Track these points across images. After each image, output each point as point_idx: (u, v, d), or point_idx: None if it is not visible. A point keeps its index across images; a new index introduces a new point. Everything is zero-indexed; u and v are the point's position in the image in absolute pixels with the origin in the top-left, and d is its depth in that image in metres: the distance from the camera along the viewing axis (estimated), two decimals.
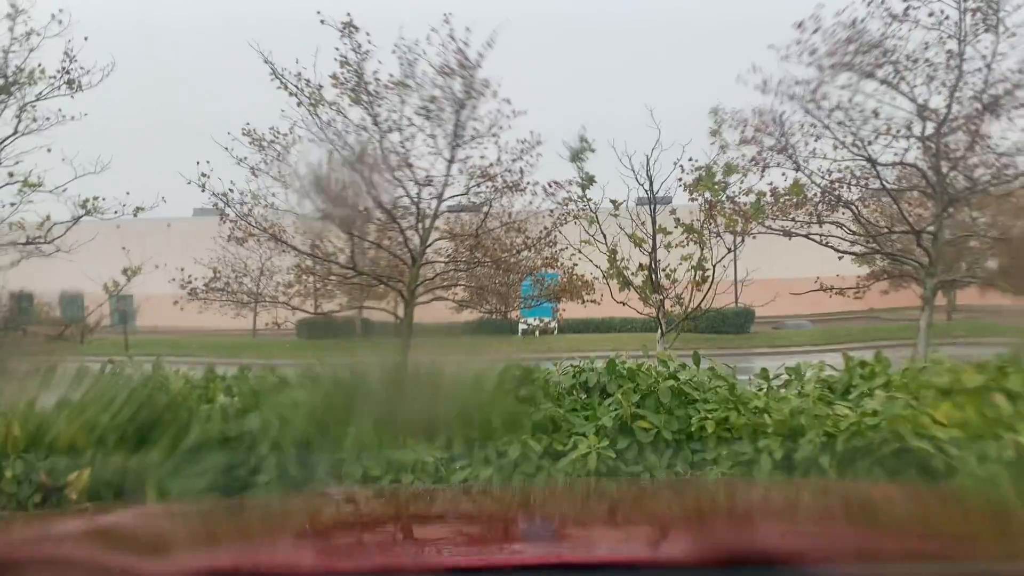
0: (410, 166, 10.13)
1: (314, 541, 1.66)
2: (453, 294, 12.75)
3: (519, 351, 18.09)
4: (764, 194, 10.52)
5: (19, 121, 8.99)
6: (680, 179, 10.67)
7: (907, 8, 9.59)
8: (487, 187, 10.66)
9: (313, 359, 5.03)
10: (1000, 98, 9.69)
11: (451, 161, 10.26)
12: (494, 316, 15.88)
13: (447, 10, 9.53)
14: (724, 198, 10.48)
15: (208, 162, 9.98)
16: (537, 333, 21.90)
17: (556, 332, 21.81)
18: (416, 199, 10.36)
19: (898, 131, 10.08)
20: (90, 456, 3.78)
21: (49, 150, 8.95)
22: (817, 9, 9.71)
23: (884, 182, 10.43)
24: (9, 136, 9.01)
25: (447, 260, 11.67)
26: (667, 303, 10.45)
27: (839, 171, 10.35)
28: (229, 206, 10.24)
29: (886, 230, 10.99)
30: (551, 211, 11.06)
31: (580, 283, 12.08)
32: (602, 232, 10.60)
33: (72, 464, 3.76)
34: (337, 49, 9.67)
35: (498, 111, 10.13)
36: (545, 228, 11.29)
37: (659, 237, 10.72)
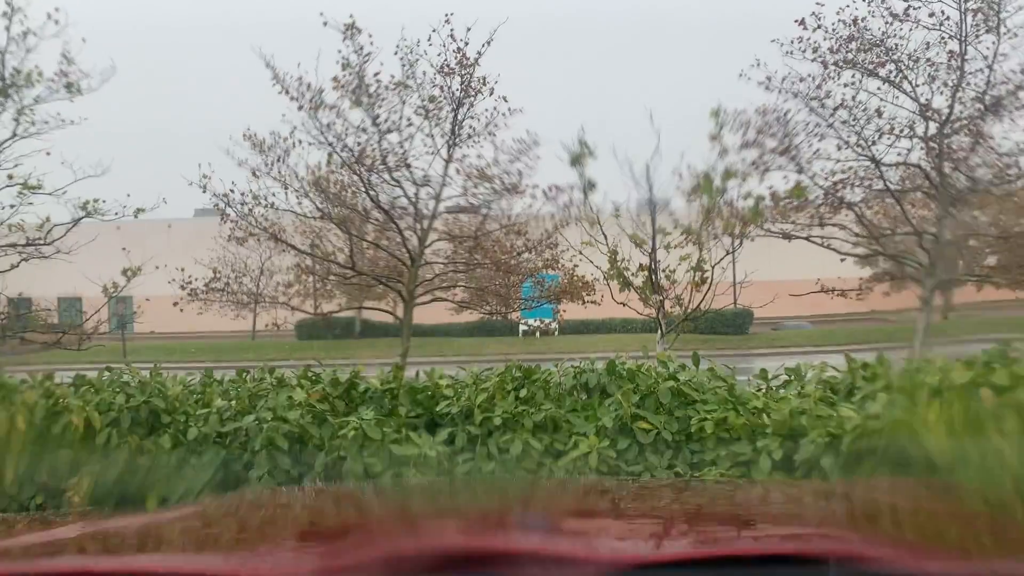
0: (408, 166, 10.15)
1: (314, 539, 1.66)
2: (453, 295, 12.75)
3: (520, 352, 18.10)
4: (763, 198, 10.51)
5: (17, 124, 8.91)
6: (678, 187, 10.65)
7: (908, 8, 9.62)
8: (485, 188, 10.66)
9: (313, 359, 5.04)
10: (1002, 99, 9.70)
11: (448, 160, 10.29)
12: (494, 317, 15.89)
13: (447, 10, 9.61)
14: (721, 203, 10.46)
15: (210, 164, 10.01)
16: (538, 334, 21.91)
17: (556, 333, 21.81)
18: (414, 199, 10.37)
19: (901, 131, 10.10)
20: (91, 459, 3.79)
21: (48, 154, 8.86)
22: (818, 7, 9.76)
23: (888, 183, 10.43)
24: (7, 139, 8.94)
25: (446, 261, 11.68)
26: (667, 304, 10.42)
27: (843, 172, 10.36)
28: (230, 206, 10.26)
29: (889, 231, 10.98)
30: (552, 215, 11.05)
31: (581, 284, 12.07)
32: (603, 233, 10.58)
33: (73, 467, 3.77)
34: (339, 51, 9.71)
35: (495, 109, 10.17)
36: (546, 231, 11.28)
37: (659, 238, 10.70)
